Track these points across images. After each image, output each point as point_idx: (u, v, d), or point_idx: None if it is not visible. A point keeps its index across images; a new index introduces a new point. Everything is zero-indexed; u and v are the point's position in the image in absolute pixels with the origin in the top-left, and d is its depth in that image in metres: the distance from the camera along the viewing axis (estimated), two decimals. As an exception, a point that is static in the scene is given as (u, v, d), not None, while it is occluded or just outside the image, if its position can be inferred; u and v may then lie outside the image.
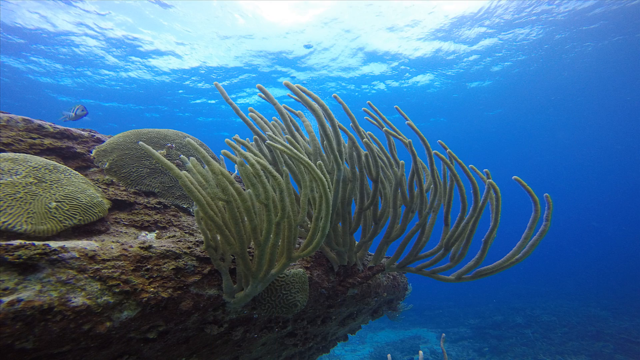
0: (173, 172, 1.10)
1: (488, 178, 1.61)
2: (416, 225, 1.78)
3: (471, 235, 1.65)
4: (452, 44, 12.51)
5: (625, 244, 47.34)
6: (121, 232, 1.44)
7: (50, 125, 1.84)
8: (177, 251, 1.29)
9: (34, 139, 1.71)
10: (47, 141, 1.73)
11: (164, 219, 1.66)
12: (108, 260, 1.10)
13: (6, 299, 0.87)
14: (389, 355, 2.71)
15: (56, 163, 1.50)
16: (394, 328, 11.23)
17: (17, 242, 0.97)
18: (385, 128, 1.79)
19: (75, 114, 4.10)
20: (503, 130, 23.77)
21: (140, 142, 1.07)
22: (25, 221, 1.19)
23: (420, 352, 2.08)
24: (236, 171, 1.88)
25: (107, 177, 1.76)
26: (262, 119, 1.71)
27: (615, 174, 40.27)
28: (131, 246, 1.21)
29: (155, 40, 11.34)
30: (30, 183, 1.31)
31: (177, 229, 1.62)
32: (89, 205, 1.39)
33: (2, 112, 1.77)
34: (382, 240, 1.87)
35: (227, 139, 1.38)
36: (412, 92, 16.24)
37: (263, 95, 1.63)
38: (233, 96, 15.43)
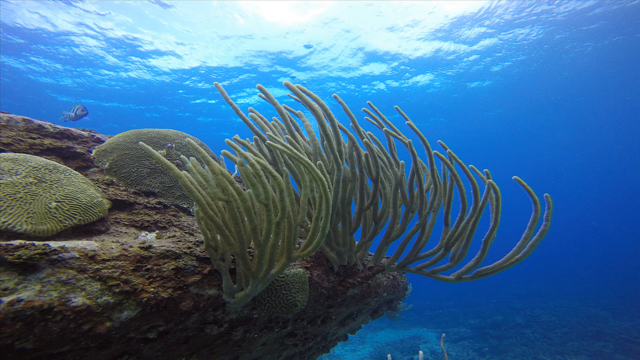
0: (173, 172, 1.10)
1: (488, 178, 1.61)
2: (416, 225, 1.78)
3: (471, 235, 1.65)
4: (452, 44, 12.51)
5: (625, 244, 47.34)
6: (121, 232, 1.44)
7: (50, 125, 1.84)
8: (177, 251, 1.29)
9: (34, 139, 1.71)
10: (47, 141, 1.73)
11: (164, 219, 1.66)
12: (108, 260, 1.10)
13: (6, 299, 0.87)
14: (389, 355, 2.71)
15: (56, 163, 1.50)
16: (394, 328, 11.23)
17: (17, 242, 0.97)
18: (385, 128, 1.79)
19: (75, 114, 4.10)
20: (503, 130, 23.76)
21: (140, 142, 1.07)
22: (25, 221, 1.19)
23: (420, 352, 2.08)
24: (236, 171, 1.88)
25: (107, 177, 1.76)
26: (262, 119, 1.71)
27: (615, 174, 40.27)
28: (131, 246, 1.21)
29: (155, 40, 11.33)
30: (30, 183, 1.31)
31: (177, 229, 1.62)
32: (89, 205, 1.39)
33: (2, 112, 1.77)
34: (382, 240, 1.87)
35: (227, 139, 1.38)
36: (412, 92, 16.24)
37: (263, 95, 1.63)
38: (233, 96, 15.42)
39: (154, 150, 1.07)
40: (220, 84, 2.74)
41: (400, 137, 1.74)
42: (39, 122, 1.81)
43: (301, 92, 1.46)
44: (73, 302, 0.95)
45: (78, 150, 1.82)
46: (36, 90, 14.08)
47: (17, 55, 11.46)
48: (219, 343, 1.49)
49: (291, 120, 1.72)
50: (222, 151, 1.24)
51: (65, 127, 1.92)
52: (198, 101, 16.18)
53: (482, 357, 8.28)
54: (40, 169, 1.40)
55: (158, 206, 1.74)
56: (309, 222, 1.77)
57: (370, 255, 2.21)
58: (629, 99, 17.66)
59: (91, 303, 0.98)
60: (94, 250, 1.10)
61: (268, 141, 1.25)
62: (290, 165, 1.59)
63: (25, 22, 9.78)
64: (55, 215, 1.27)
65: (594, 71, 14.63)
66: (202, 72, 13.53)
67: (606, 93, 16.94)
